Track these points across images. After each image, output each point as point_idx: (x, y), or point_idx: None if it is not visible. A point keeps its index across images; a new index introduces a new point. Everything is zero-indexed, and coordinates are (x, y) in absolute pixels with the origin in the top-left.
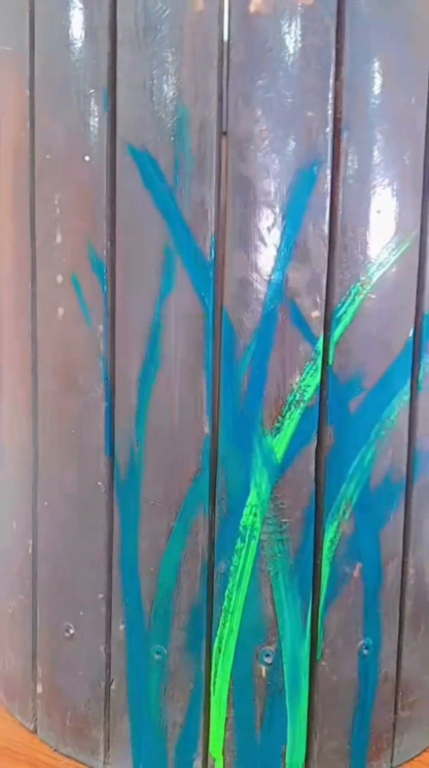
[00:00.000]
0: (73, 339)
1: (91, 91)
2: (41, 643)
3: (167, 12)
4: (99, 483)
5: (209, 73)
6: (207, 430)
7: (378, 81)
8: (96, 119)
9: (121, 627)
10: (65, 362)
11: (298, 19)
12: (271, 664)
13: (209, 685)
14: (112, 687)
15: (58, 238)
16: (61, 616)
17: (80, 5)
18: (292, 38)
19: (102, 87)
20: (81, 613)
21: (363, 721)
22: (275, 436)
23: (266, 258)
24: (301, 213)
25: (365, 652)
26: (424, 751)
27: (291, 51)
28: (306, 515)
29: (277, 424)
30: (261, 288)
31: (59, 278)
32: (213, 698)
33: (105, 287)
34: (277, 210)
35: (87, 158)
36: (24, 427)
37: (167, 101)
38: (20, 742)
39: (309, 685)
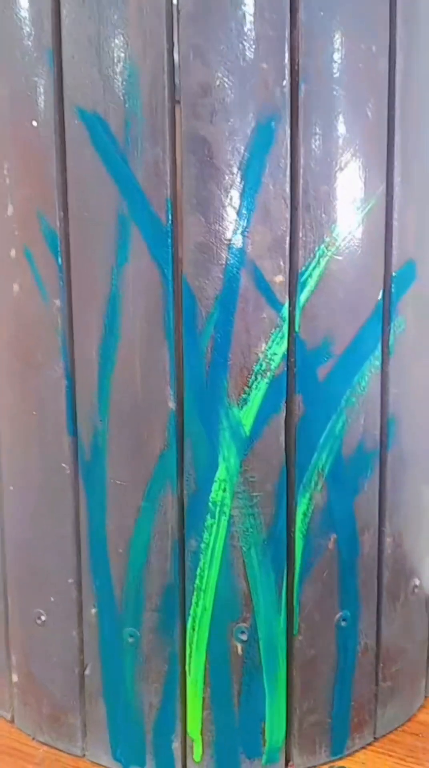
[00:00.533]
0: (29, 315)
1: (36, 51)
2: (13, 631)
3: None
4: (63, 465)
5: (158, 27)
6: (171, 404)
7: (336, 29)
8: (42, 81)
9: (93, 611)
10: (23, 340)
11: None
12: (246, 641)
13: (184, 665)
14: (86, 672)
15: (9, 210)
16: (31, 603)
17: None
18: None
19: (46, 46)
20: (52, 599)
21: (343, 694)
22: (242, 407)
23: (225, 221)
24: (259, 172)
25: (343, 624)
26: (408, 720)
27: (243, 1)
28: (277, 488)
29: (244, 395)
30: (221, 253)
31: (12, 252)
32: (189, 678)
33: (59, 259)
34: (235, 170)
35: (35, 123)
36: None
37: (115, 59)
38: None
39: (286, 661)
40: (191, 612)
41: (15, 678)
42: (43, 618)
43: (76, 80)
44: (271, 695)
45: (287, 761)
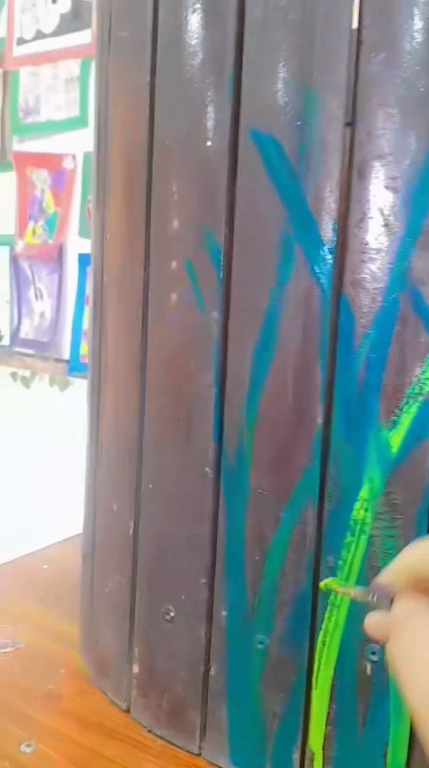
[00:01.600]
0: (185, 325)
1: (216, 76)
2: (139, 624)
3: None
4: (206, 469)
5: (339, 56)
6: (320, 420)
7: None
8: (220, 104)
9: (223, 613)
10: (177, 348)
11: None
12: (376, 661)
13: (311, 678)
14: (211, 672)
15: (175, 224)
16: (161, 599)
17: None
18: (427, 22)
19: (227, 73)
20: (182, 597)
21: None
22: (391, 429)
23: (390, 245)
24: (427, 198)
25: None
26: None
27: (426, 33)
28: (419, 512)
29: (394, 417)
30: (383, 276)
31: (173, 264)
32: (315, 692)
33: (221, 274)
34: (403, 195)
35: (209, 144)
36: (127, 410)
37: (294, 85)
38: (113, 719)
39: None
40: (323, 626)
41: (136, 669)
42: (172, 614)
43: (253, 105)
44: (397, 720)
45: None
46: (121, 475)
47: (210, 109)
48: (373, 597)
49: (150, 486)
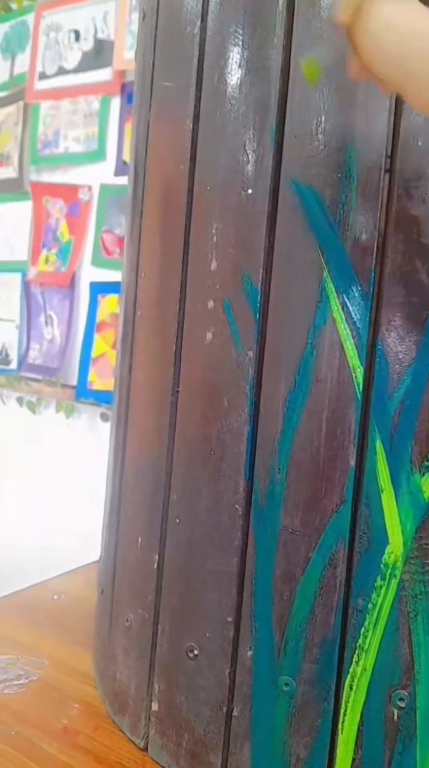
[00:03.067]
0: (220, 363)
1: (259, 127)
2: (160, 660)
3: (342, 56)
4: (236, 506)
5: (381, 113)
6: (353, 462)
7: None
8: (262, 155)
9: (249, 653)
10: (211, 385)
11: None
12: (404, 708)
13: (338, 722)
14: (235, 713)
15: (213, 265)
16: (185, 636)
17: (255, 45)
18: None
19: (270, 124)
20: (207, 635)
21: None
22: (423, 474)
23: (425, 294)
24: None
25: None
26: None
27: None
28: None
29: (427, 463)
30: (418, 324)
31: (210, 303)
32: (340, 737)
33: (258, 314)
34: None
35: (250, 191)
36: (157, 445)
37: (336, 139)
38: (130, 757)
39: None
40: (350, 671)
41: (155, 707)
42: (196, 652)
43: (294, 156)
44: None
45: None
46: (148, 509)
47: (251, 158)
48: None
49: (177, 521)
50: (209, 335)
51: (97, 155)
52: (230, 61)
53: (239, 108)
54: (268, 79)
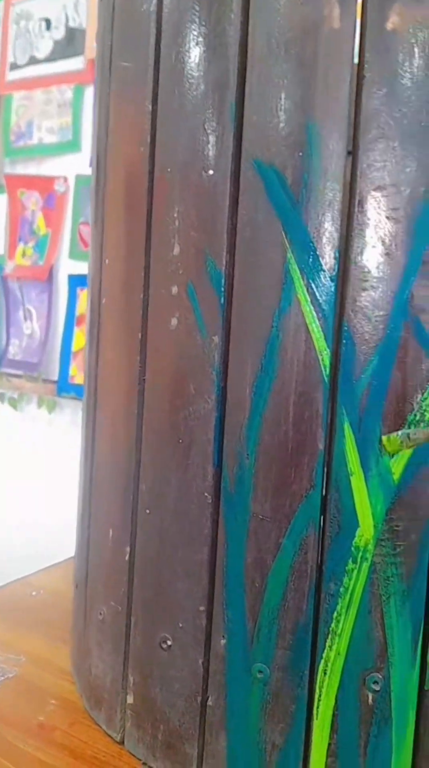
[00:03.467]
0: (186, 349)
1: (219, 106)
2: (134, 652)
3: (301, 29)
4: (205, 494)
5: (340, 92)
6: (321, 446)
7: None
8: (222, 134)
9: (222, 641)
10: (177, 371)
11: None
12: (378, 691)
13: (312, 708)
14: (209, 702)
15: (176, 250)
16: (158, 627)
17: (212, 21)
18: (426, 59)
19: (230, 103)
20: (180, 625)
21: None
22: (393, 456)
23: (391, 274)
24: (428, 229)
25: None
26: None
27: (425, 71)
28: (422, 539)
29: None
30: (385, 304)
31: (174, 289)
32: (315, 722)
33: (222, 299)
34: (405, 225)
35: (211, 172)
36: (125, 433)
37: (297, 116)
38: (106, 751)
39: (416, 717)
40: (324, 655)
41: (130, 700)
42: (169, 643)
43: (255, 134)
44: (398, 751)
45: None
46: (118, 501)
47: (212, 138)
48: None
49: (147, 511)
50: (174, 321)
51: (71, 146)
52: (187, 38)
53: (198, 87)
54: (226, 56)
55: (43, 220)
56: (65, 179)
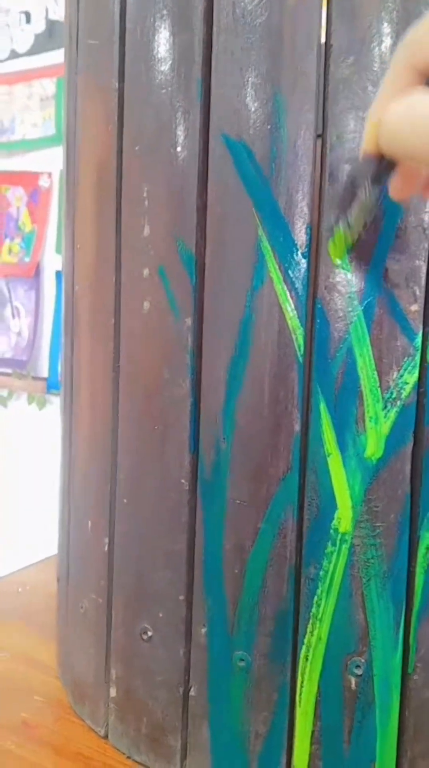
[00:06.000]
0: (158, 332)
1: (184, 81)
2: (116, 644)
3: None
4: (182, 481)
5: (308, 60)
6: (297, 427)
7: None
8: (188, 109)
9: (203, 630)
10: (150, 356)
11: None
12: (361, 675)
13: (295, 695)
14: (192, 693)
15: (146, 231)
16: (138, 618)
17: None
18: (395, 26)
19: (196, 76)
20: (160, 615)
21: None
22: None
23: (364, 249)
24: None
25: None
26: None
27: (394, 35)
28: (401, 519)
29: (373, 423)
30: (358, 280)
31: (146, 271)
32: (298, 709)
33: (194, 280)
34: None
35: (178, 149)
36: (101, 422)
37: (265, 90)
38: (92, 747)
39: (400, 700)
40: (305, 641)
41: (113, 693)
42: (149, 634)
43: (223, 109)
44: (383, 735)
45: None
46: (96, 491)
47: (179, 114)
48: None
49: (125, 501)
50: (146, 305)
51: (55, 140)
52: (152, 10)
53: (164, 61)
54: (191, 28)
55: (28, 216)
56: (50, 174)
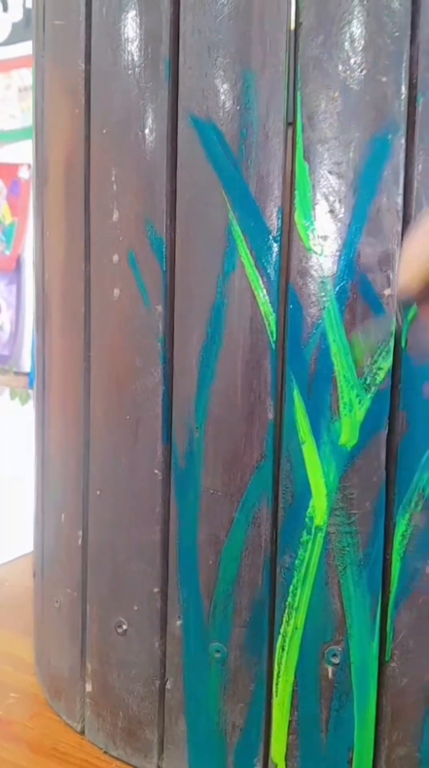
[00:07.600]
0: (129, 320)
1: (153, 60)
2: (91, 638)
3: None
4: (155, 471)
5: (278, 39)
6: (271, 415)
7: None
8: (156, 89)
9: (178, 622)
10: (121, 345)
11: None
12: (338, 664)
13: (272, 685)
14: (168, 686)
15: (115, 216)
16: (113, 611)
17: None
18: (365, 4)
19: (163, 56)
20: (135, 608)
21: None
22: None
23: (337, 232)
24: (374, 184)
25: None
26: None
27: (365, 14)
28: (376, 506)
29: (347, 410)
30: (330, 264)
31: (115, 257)
32: (275, 700)
33: (164, 265)
34: (349, 181)
35: (147, 131)
36: (73, 413)
37: (234, 69)
38: (67, 742)
39: (377, 688)
40: (282, 630)
41: (89, 688)
42: (124, 627)
43: (192, 89)
44: (361, 723)
45: None
46: (69, 483)
47: (147, 95)
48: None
49: (98, 492)
50: (116, 292)
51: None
52: None
53: (131, 41)
54: (157, 7)
55: (8, 209)
56: (29, 166)
